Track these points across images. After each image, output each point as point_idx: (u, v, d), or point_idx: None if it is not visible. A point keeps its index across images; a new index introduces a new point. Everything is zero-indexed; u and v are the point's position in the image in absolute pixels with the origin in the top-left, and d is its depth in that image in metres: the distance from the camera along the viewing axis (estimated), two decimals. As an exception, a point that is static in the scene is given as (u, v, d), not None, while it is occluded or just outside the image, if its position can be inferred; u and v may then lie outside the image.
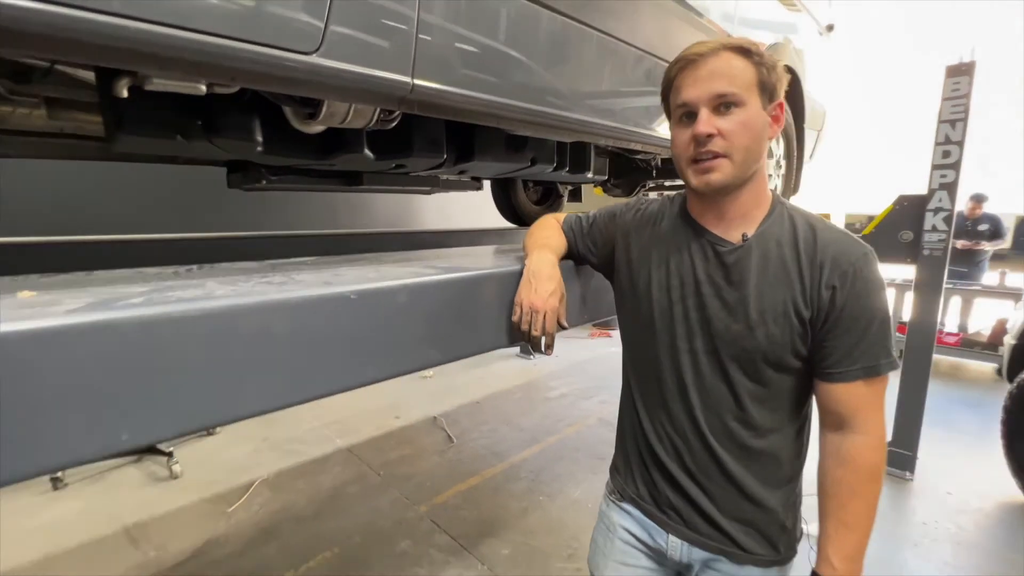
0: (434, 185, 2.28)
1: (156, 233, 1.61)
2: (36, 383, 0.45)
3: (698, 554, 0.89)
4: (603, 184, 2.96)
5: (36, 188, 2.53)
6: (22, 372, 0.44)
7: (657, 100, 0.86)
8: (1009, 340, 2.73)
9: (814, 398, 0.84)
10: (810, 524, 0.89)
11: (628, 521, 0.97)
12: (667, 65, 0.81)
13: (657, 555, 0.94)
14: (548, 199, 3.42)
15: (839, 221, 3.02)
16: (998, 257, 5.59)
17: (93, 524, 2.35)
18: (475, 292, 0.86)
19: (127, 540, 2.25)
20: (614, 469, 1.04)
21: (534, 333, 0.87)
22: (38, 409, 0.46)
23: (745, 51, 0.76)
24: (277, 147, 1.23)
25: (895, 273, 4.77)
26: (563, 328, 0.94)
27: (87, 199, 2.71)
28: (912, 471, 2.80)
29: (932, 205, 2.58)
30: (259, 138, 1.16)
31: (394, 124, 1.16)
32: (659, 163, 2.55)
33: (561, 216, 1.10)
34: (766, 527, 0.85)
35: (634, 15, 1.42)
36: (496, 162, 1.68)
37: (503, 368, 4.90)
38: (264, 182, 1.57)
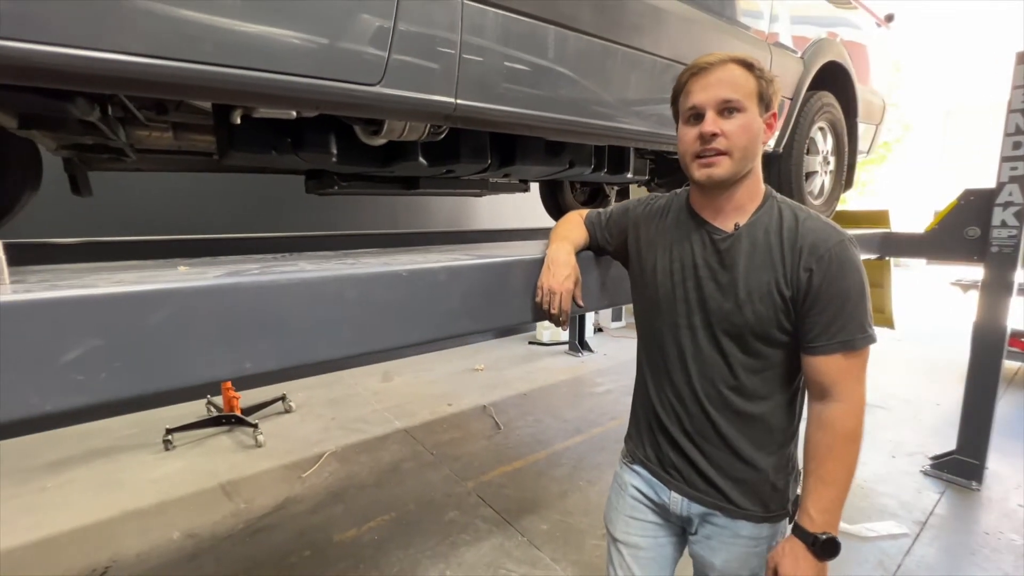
0: (483, 188, 2.49)
1: (255, 233, 1.94)
2: (197, 322, 0.68)
3: (696, 509, 1.00)
4: (647, 184, 3.04)
5: (163, 197, 3.03)
6: (189, 315, 0.68)
7: None
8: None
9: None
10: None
11: (637, 480, 1.09)
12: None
13: (661, 509, 1.06)
14: (596, 199, 3.54)
15: (925, 217, 2.85)
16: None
17: (195, 479, 2.78)
18: (503, 274, 1.04)
19: (222, 493, 2.65)
20: (628, 436, 1.17)
21: (552, 311, 1.04)
22: (197, 340, 0.69)
23: (748, 65, 0.87)
24: (348, 157, 1.47)
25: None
26: (580, 308, 1.09)
27: (201, 206, 3.21)
28: (979, 481, 2.64)
29: (1001, 199, 2.43)
30: (334, 150, 1.41)
31: (443, 136, 1.37)
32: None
33: (585, 212, 1.24)
34: (757, 486, 0.95)
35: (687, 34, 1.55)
36: (536, 165, 1.85)
37: (551, 364, 5.05)
38: (336, 187, 1.85)
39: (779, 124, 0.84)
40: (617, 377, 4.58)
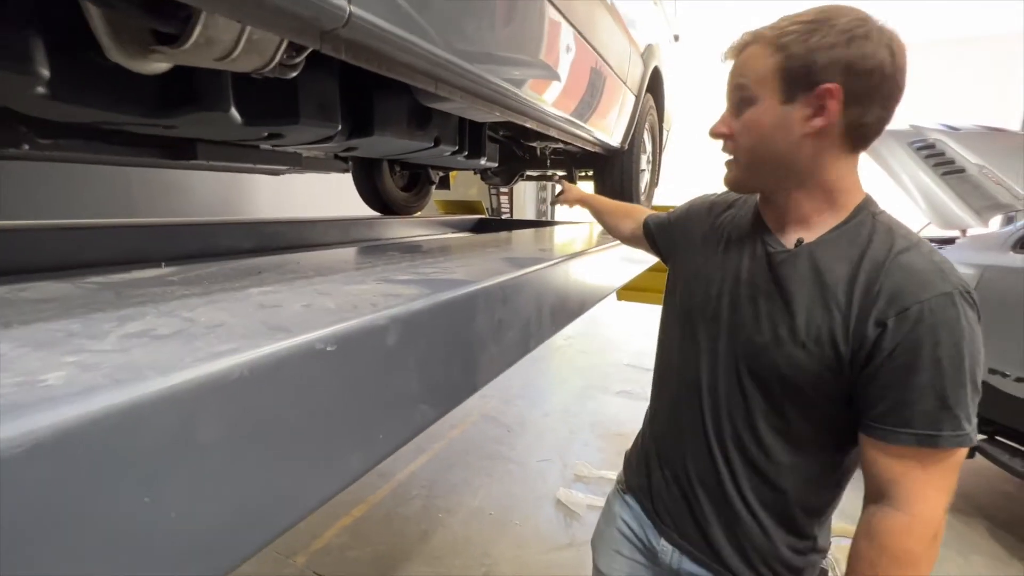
0: (295, 163, 1.85)
1: None
2: None
3: (688, 566, 0.82)
4: (483, 172, 2.81)
5: None
6: None
7: None
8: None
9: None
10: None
11: (627, 513, 0.96)
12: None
13: (650, 553, 0.90)
14: (416, 184, 3.13)
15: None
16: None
17: None
18: (470, 313, 0.63)
19: None
20: (627, 460, 1.01)
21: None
22: None
23: (770, 39, 0.65)
24: (76, 91, 0.77)
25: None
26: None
27: None
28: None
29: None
30: (43, 71, 0.69)
31: (295, 74, 0.80)
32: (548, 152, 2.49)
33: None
34: (765, 554, 0.76)
35: None
36: (397, 138, 1.39)
37: (365, 371, 4.43)
38: (26, 146, 1.02)
39: (836, 105, 0.63)
40: (441, 376, 4.30)
